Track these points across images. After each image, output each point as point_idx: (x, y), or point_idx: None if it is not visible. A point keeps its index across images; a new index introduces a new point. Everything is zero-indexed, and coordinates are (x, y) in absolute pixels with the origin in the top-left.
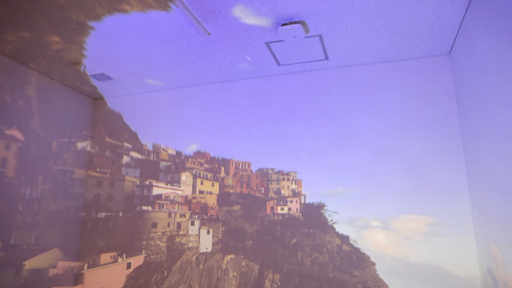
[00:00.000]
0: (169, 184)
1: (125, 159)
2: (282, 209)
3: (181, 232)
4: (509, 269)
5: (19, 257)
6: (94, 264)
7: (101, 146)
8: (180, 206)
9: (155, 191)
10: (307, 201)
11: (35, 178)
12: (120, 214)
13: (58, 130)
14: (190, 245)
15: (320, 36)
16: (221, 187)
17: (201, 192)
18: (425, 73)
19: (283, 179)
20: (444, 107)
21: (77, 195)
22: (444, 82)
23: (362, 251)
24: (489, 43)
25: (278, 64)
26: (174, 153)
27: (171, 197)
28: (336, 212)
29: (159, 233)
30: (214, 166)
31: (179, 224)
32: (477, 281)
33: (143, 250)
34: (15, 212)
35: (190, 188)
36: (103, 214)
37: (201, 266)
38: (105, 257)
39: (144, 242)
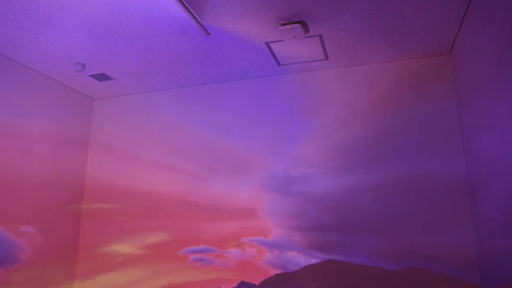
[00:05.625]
0: None
1: None
2: None
3: None
4: (509, 268)
5: (19, 256)
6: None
7: (101, 146)
8: None
9: None
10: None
11: (35, 178)
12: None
13: (58, 130)
14: None
15: (320, 36)
16: None
17: None
18: (425, 73)
19: None
20: (444, 107)
21: (77, 194)
22: (444, 82)
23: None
24: (489, 43)
25: (278, 64)
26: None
27: None
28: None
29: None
30: None
31: None
32: (477, 280)
33: None
34: (15, 211)
35: None
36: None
37: None
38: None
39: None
